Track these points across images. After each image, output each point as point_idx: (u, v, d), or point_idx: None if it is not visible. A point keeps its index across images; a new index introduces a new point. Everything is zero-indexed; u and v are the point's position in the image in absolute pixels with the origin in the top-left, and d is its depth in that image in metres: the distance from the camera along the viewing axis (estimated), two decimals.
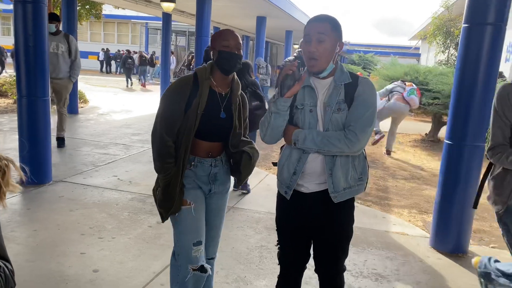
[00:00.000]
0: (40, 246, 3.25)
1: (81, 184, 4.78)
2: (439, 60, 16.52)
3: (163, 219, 2.13)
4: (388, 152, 7.85)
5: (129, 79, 18.31)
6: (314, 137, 1.86)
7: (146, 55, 20.96)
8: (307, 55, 1.88)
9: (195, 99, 2.03)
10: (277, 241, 2.13)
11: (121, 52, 20.84)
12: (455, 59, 14.40)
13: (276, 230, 2.12)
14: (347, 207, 1.98)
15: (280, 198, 2.07)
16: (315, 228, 1.99)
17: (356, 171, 1.94)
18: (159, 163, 2.07)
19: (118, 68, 24.61)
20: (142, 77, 19.22)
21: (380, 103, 7.51)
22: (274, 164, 2.16)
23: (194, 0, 9.38)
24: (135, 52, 26.68)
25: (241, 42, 2.13)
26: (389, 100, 7.71)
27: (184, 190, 2.10)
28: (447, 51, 15.72)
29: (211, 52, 2.12)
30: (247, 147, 2.18)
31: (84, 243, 3.34)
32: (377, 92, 8.42)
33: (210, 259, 2.34)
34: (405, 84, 7.82)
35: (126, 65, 18.41)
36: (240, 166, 2.18)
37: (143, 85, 18.48)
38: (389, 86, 7.90)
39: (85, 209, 4.03)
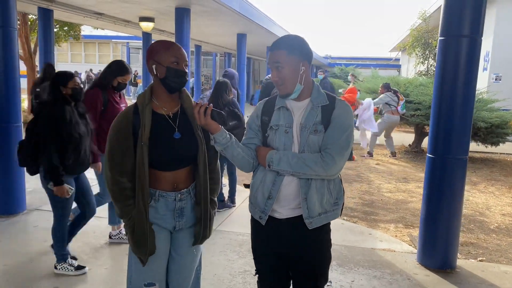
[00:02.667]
0: (11, 282, 3.07)
1: None
2: (419, 70, 16.75)
3: (143, 263, 1.90)
4: (384, 155, 8.01)
5: None
6: (289, 159, 1.79)
7: (92, 76, 22.62)
8: (273, 82, 1.88)
9: (139, 129, 1.84)
10: (255, 270, 2.03)
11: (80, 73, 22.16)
12: (434, 69, 14.64)
13: (254, 258, 2.03)
14: (323, 232, 1.90)
15: (254, 223, 1.98)
16: (292, 256, 1.91)
17: (332, 195, 1.87)
18: (117, 207, 1.90)
19: None
20: None
21: (371, 112, 8.21)
22: (246, 186, 2.07)
23: (173, 19, 9.33)
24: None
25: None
26: (379, 109, 8.67)
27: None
28: (426, 61, 15.96)
29: (154, 67, 1.86)
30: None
31: (60, 275, 3.16)
32: (371, 101, 8.83)
33: None
34: (397, 96, 8.53)
35: None
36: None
37: None
38: (384, 98, 8.53)
39: None
